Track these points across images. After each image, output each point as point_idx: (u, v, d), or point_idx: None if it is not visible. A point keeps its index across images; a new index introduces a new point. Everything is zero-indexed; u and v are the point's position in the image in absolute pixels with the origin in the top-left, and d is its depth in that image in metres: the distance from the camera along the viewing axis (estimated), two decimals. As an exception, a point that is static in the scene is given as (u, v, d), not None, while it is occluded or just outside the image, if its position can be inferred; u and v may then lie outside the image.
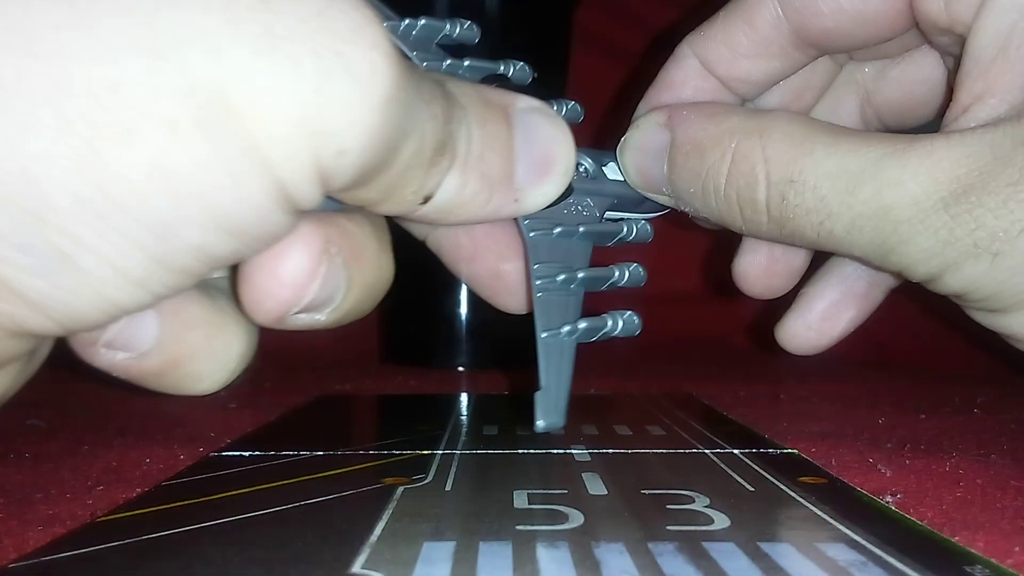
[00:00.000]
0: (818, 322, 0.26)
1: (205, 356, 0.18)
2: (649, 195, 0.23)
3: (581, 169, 0.23)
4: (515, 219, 0.21)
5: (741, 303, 0.61)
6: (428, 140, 0.16)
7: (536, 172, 0.19)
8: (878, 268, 0.22)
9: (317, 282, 0.16)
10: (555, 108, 0.22)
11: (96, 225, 0.13)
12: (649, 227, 0.24)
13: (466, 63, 0.21)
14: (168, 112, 0.13)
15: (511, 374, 0.44)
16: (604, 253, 0.23)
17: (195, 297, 0.17)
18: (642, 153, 0.23)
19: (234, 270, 0.17)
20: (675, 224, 0.25)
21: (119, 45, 0.13)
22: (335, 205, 0.18)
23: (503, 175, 0.19)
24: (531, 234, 0.21)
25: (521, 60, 0.22)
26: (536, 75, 0.22)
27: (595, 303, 0.22)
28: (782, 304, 0.27)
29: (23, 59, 0.12)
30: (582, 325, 0.21)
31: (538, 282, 0.21)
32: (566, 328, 0.21)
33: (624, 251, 0.23)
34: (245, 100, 0.13)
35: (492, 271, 0.22)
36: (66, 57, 0.13)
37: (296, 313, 0.17)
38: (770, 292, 0.26)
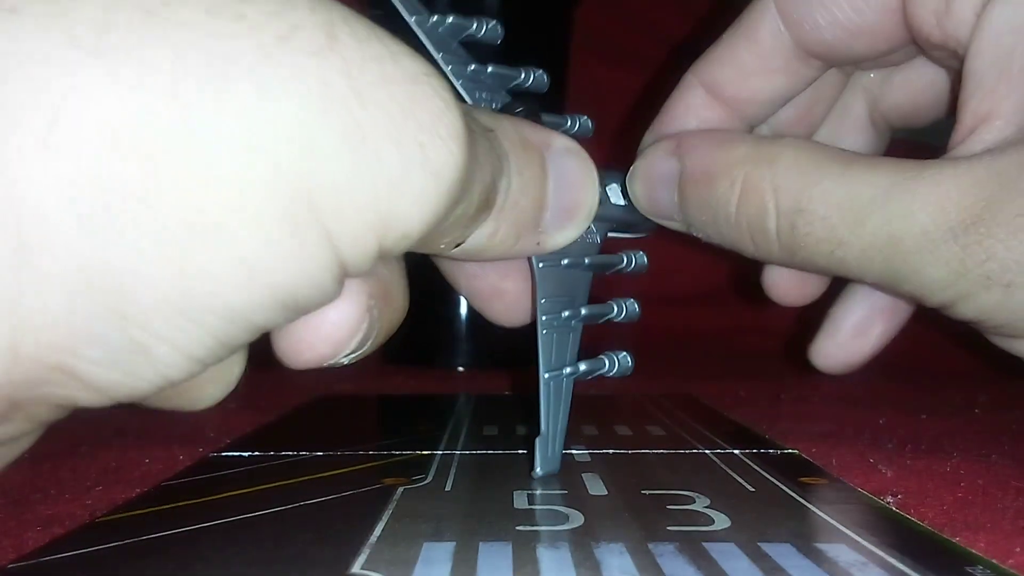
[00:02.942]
0: (848, 340, 0.26)
1: (210, 381, 0.18)
2: (661, 222, 0.23)
3: None
4: None
5: (741, 304, 0.61)
6: (475, 201, 0.16)
7: (562, 217, 0.20)
8: (893, 295, 0.22)
9: (359, 337, 0.17)
10: (568, 123, 0.22)
11: (175, 319, 0.13)
12: (645, 259, 0.23)
13: (489, 69, 0.21)
14: (257, 207, 0.13)
15: (511, 374, 0.44)
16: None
17: None
18: (652, 183, 0.23)
19: None
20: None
21: (218, 140, 0.12)
22: None
23: (532, 221, 0.19)
24: (540, 265, 0.21)
25: (522, 59, 0.22)
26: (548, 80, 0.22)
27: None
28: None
29: (119, 160, 0.12)
30: (582, 367, 0.21)
31: (544, 318, 0.21)
32: (567, 370, 0.21)
33: (621, 282, 0.23)
34: (327, 194, 0.13)
35: (494, 288, 0.22)
36: (167, 155, 0.12)
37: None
38: (802, 299, 0.26)
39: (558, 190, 0.19)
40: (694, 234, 0.23)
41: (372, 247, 0.14)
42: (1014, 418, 0.33)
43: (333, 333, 0.16)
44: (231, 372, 0.18)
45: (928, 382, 0.45)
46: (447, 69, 0.20)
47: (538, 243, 0.19)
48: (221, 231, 0.13)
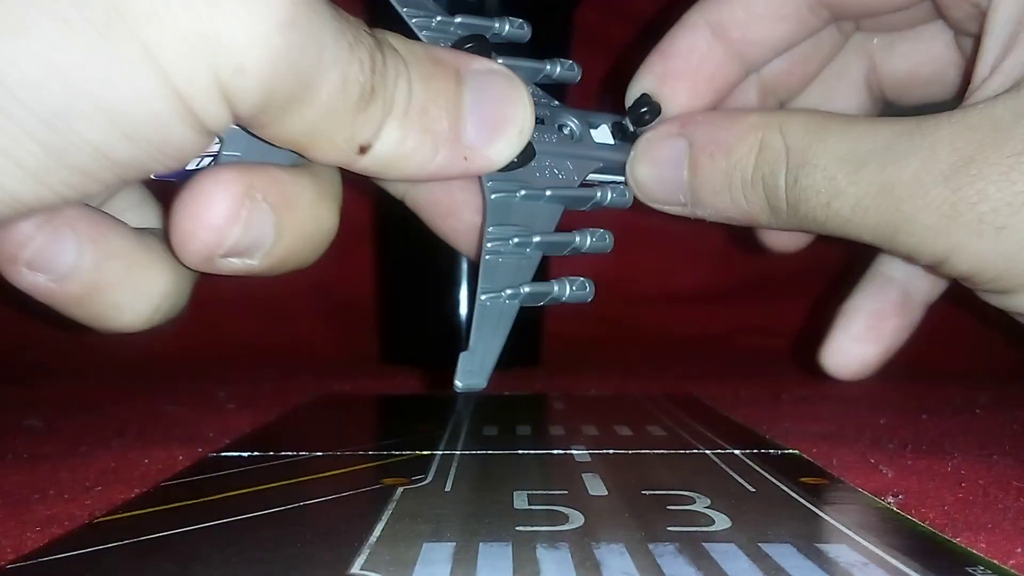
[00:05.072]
0: (864, 332, 0.25)
1: (125, 288, 0.18)
2: (663, 207, 0.23)
3: (566, 131, 0.22)
4: (479, 179, 0.21)
5: (742, 304, 0.61)
6: (352, 82, 0.16)
7: (488, 131, 0.19)
8: (889, 252, 0.21)
9: (239, 226, 0.17)
10: (549, 68, 0.23)
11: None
12: (627, 192, 0.23)
13: (457, 20, 0.21)
14: (64, 12, 0.14)
15: (511, 374, 0.44)
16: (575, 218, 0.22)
17: (119, 230, 0.18)
18: (658, 165, 0.23)
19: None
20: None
21: None
22: (282, 159, 0.18)
23: (449, 131, 0.19)
24: (493, 196, 0.21)
25: (521, 48, 0.22)
26: (533, 32, 0.22)
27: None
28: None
29: None
30: (525, 289, 0.21)
31: (490, 244, 0.21)
32: (508, 292, 0.21)
33: (596, 218, 0.23)
34: (141, 8, 0.14)
35: (470, 226, 0.23)
36: None
37: (224, 256, 0.17)
38: (794, 244, 0.26)
39: (477, 103, 0.19)
40: (697, 215, 0.23)
41: (206, 77, 0.15)
42: (1015, 418, 0.33)
43: (209, 217, 0.17)
44: (151, 284, 0.18)
45: (929, 382, 0.45)
46: (411, 23, 0.20)
47: (465, 158, 0.19)
48: (26, 27, 0.13)
